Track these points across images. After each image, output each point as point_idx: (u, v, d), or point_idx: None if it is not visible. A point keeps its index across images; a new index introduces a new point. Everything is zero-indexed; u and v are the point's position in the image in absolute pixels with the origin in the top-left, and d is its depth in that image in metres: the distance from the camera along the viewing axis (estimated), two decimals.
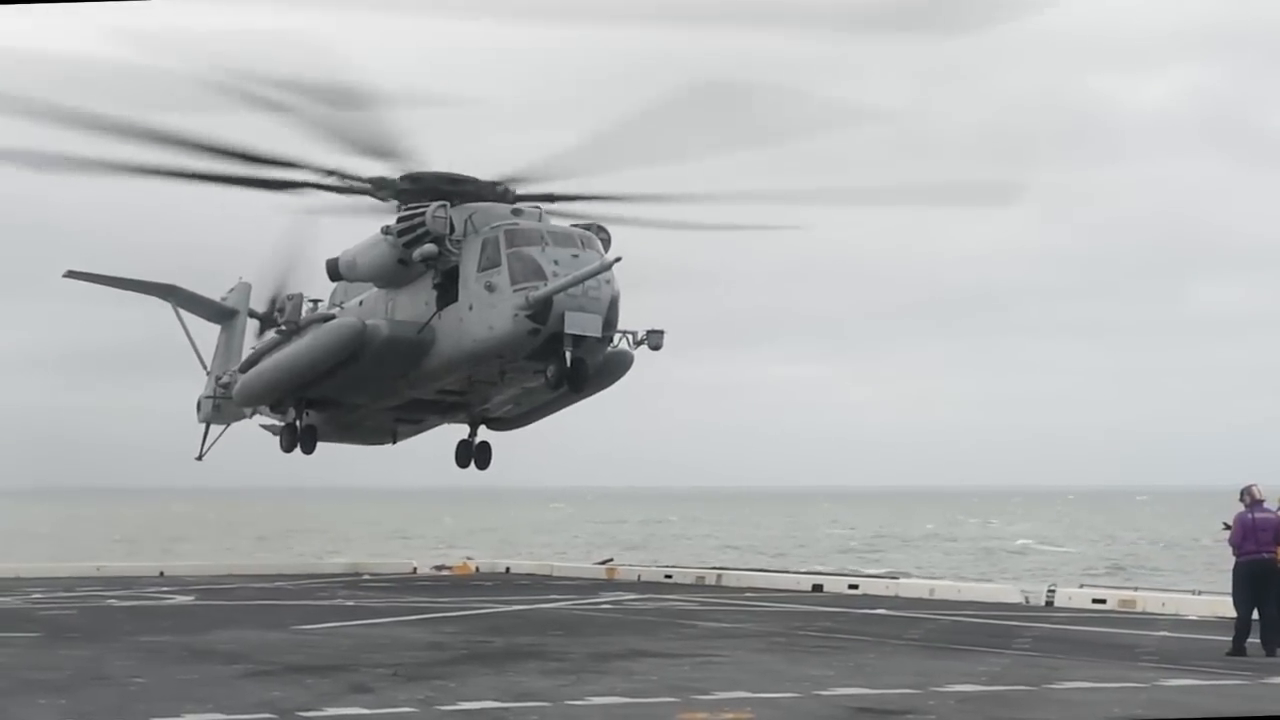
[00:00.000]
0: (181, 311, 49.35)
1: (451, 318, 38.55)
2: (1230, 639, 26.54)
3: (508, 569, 52.46)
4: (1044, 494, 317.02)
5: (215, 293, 50.06)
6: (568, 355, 36.51)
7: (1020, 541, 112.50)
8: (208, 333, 50.15)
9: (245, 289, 49.22)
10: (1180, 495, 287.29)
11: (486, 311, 37.47)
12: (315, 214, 40.63)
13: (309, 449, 44.04)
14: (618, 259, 36.78)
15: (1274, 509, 26.89)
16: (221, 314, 49.75)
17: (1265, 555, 26.53)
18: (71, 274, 48.15)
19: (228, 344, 49.10)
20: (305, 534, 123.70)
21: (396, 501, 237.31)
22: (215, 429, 49.25)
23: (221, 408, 47.89)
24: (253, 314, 48.76)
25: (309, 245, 43.45)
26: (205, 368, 49.38)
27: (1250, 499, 26.79)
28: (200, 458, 49.62)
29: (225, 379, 47.12)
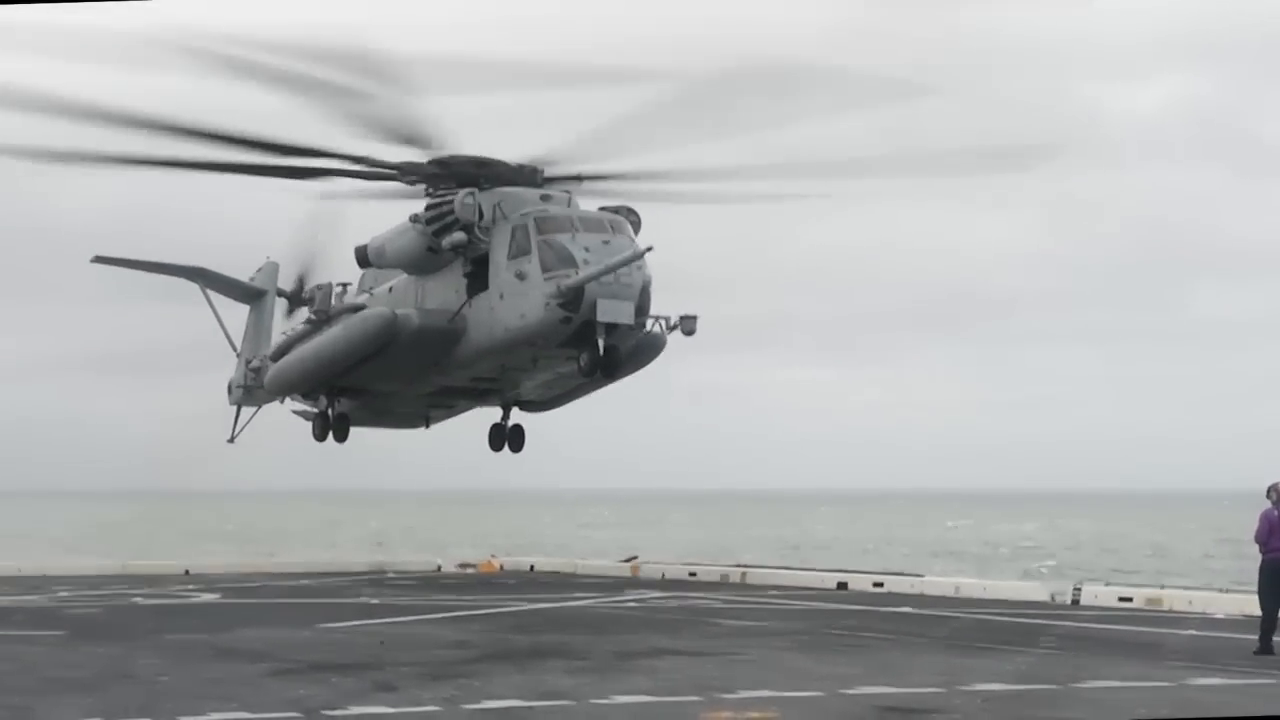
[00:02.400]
0: (210, 293, 49.39)
1: (482, 306, 38.56)
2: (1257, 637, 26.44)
3: (532, 567, 52.48)
4: (1051, 497, 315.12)
5: (242, 275, 50.14)
6: (600, 343, 36.50)
7: (1003, 549, 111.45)
8: (236, 317, 50.29)
9: (273, 269, 49.25)
10: (1188, 498, 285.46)
11: (518, 300, 37.44)
12: (342, 198, 40.67)
13: (341, 438, 44.19)
14: (649, 248, 36.73)
15: None
16: (250, 295, 49.75)
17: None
18: (99, 259, 48.17)
19: (257, 325, 49.17)
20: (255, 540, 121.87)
21: (390, 503, 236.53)
22: (246, 411, 49.32)
23: (253, 391, 47.97)
24: (281, 293, 48.86)
25: (336, 224, 43.48)
26: (235, 350, 49.46)
27: (1277, 495, 26.64)
28: (232, 440, 49.71)
29: (256, 363, 47.20)
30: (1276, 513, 26.58)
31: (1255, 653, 25.92)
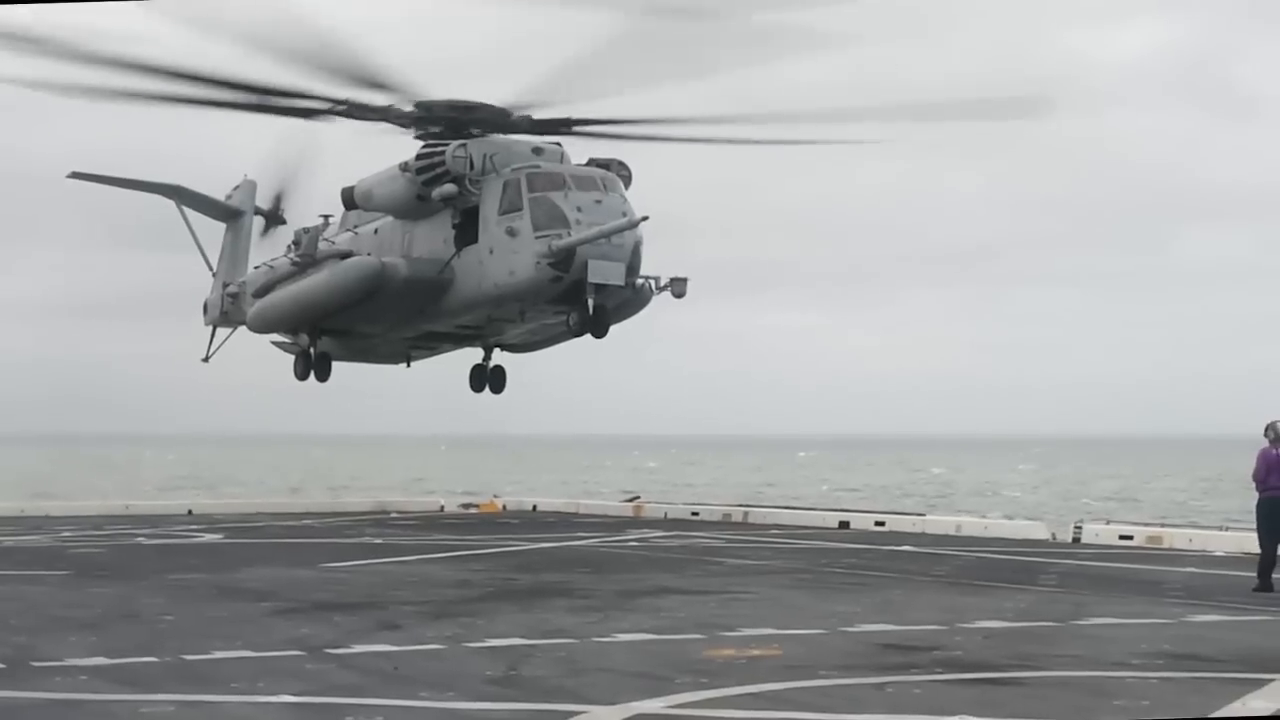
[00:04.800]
0: (186, 211, 49.07)
1: (471, 259, 38.42)
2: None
3: (534, 507, 52.59)
4: (1041, 442, 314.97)
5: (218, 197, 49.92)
6: (590, 302, 36.44)
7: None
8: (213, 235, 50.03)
9: (250, 187, 48.99)
10: (1180, 443, 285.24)
11: (508, 256, 37.33)
12: (328, 125, 40.41)
13: (323, 377, 44.07)
14: (644, 218, 36.70)
15: None
16: (227, 213, 49.41)
17: (1277, 490, 26.36)
18: (76, 175, 47.83)
19: (234, 244, 48.94)
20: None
21: (363, 448, 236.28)
22: (222, 332, 49.15)
23: (228, 312, 47.85)
24: (259, 211, 48.67)
25: (313, 144, 43.23)
26: (211, 269, 49.23)
27: (1274, 434, 26.62)
28: (206, 359, 49.55)
29: (233, 288, 47.00)
30: (1274, 451, 26.59)
31: (1254, 590, 26.00)
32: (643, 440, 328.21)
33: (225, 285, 47.67)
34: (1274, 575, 26.30)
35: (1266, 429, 26.78)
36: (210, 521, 44.39)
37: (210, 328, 48.99)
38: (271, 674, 17.31)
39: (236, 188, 49.51)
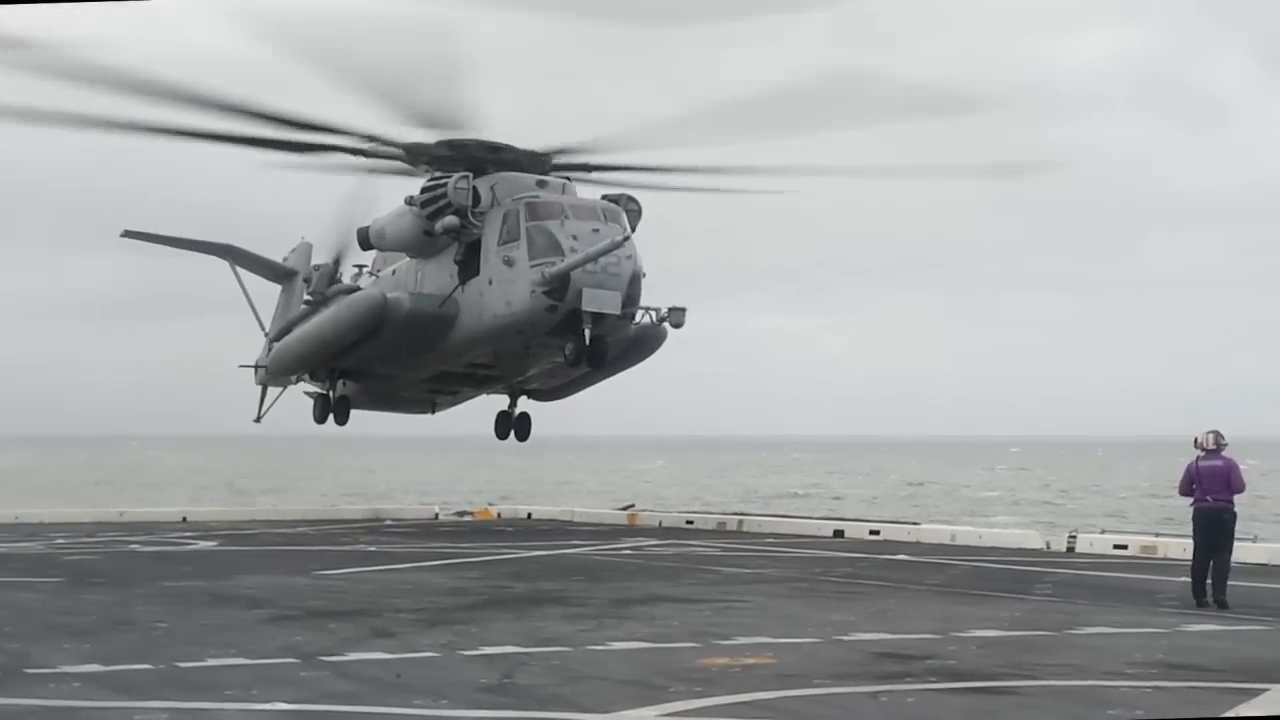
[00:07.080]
0: (240, 271, 49.25)
1: (473, 291, 38.44)
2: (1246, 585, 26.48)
3: (529, 515, 52.54)
4: (1020, 444, 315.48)
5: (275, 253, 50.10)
6: (586, 333, 36.30)
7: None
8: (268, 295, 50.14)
9: (306, 249, 49.01)
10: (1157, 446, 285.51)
11: (505, 286, 37.29)
12: (365, 176, 40.42)
13: (342, 420, 44.13)
14: (627, 236, 36.54)
15: (1223, 458, 26.40)
16: (280, 274, 49.50)
17: (1209, 501, 26.28)
18: (128, 234, 48.07)
19: (287, 305, 48.87)
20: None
21: (372, 451, 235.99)
22: (273, 391, 49.32)
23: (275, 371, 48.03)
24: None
25: (371, 207, 43.04)
26: (264, 329, 49.25)
27: (1201, 448, 26.47)
28: (258, 420, 49.79)
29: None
30: (1196, 464, 26.52)
31: (1196, 606, 25.66)
32: (629, 441, 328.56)
33: (272, 342, 47.78)
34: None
35: (1195, 441, 26.71)
36: (204, 529, 44.32)
37: (260, 387, 49.13)
38: (266, 681, 17.29)
39: (293, 250, 49.62)
